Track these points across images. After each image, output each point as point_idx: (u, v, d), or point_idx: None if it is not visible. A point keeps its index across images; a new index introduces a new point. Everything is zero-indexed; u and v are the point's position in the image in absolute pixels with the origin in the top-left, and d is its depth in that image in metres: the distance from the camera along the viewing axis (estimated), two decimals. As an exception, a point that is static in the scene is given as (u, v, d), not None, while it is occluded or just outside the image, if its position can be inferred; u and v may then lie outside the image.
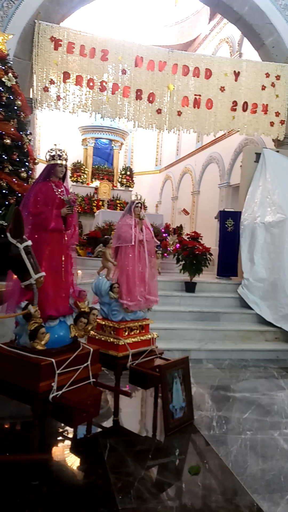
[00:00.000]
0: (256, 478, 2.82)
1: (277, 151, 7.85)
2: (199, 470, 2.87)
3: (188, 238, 7.49)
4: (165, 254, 8.87)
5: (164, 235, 9.83)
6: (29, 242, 2.76)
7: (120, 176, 14.49)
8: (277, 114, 7.96)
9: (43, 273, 2.79)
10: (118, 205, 12.83)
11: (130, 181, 14.58)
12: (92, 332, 3.59)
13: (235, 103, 7.78)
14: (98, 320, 3.68)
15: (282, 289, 6.54)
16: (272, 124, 7.97)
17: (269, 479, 2.82)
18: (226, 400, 4.27)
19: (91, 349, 3.18)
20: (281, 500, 2.59)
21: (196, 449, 3.29)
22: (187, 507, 2.48)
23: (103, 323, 3.82)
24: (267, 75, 7.83)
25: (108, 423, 3.60)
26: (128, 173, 14.70)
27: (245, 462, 3.02)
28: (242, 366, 5.45)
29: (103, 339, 3.73)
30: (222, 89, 7.68)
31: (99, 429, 3.48)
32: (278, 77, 7.88)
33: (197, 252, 6.97)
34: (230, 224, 7.85)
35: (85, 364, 3.10)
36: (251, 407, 4.08)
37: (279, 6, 7.81)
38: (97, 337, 3.75)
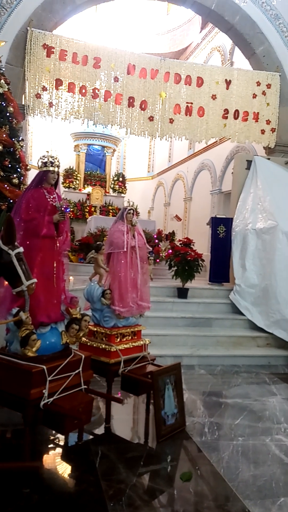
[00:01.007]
0: (248, 484, 2.82)
1: (268, 159, 7.93)
2: (191, 476, 2.86)
3: (180, 244, 7.51)
4: (158, 260, 8.90)
5: (156, 241, 9.86)
6: (21, 249, 2.76)
7: (113, 182, 14.52)
8: (268, 122, 8.05)
9: (35, 280, 2.78)
10: (111, 211, 12.84)
11: (123, 187, 14.61)
12: (83, 339, 3.58)
13: (226, 111, 7.86)
14: (89, 326, 3.67)
15: (273, 295, 6.57)
16: (263, 132, 8.06)
17: (261, 485, 2.82)
18: (218, 406, 4.28)
19: (83, 356, 3.18)
20: (273, 506, 2.59)
21: (188, 456, 3.29)
22: (179, 514, 2.48)
23: (95, 329, 3.82)
24: (258, 83, 7.93)
25: (99, 430, 3.58)
26: (121, 179, 14.73)
27: (237, 468, 3.03)
28: (234, 372, 5.46)
29: (95, 345, 3.72)
30: (214, 97, 7.76)
31: (91, 436, 3.46)
32: (269, 86, 7.98)
33: (189, 258, 6.99)
34: (222, 230, 7.90)
35: (77, 371, 3.09)
36: (243, 413, 4.09)
37: (269, 16, 7.93)
38: (88, 344, 3.75)
